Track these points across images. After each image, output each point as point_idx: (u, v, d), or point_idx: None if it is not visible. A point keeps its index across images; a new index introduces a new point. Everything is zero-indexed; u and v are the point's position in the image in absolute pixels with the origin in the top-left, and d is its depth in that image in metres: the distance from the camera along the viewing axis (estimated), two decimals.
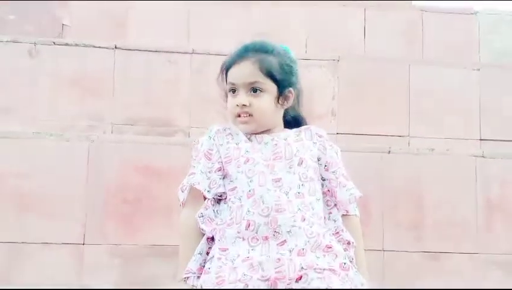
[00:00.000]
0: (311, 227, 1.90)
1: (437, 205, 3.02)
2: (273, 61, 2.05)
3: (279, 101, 2.05)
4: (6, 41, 3.45)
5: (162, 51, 3.59)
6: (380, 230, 2.94)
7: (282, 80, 2.05)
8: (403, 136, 3.63)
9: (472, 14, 4.33)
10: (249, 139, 2.05)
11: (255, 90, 2.01)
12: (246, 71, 2.03)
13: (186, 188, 2.02)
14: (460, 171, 3.06)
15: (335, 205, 2.02)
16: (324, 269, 1.84)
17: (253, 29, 3.86)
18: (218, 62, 3.84)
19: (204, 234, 1.99)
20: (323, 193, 2.02)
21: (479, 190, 3.04)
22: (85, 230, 2.85)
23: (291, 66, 2.08)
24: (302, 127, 2.10)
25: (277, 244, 1.84)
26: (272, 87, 2.03)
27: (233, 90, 2.05)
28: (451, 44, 4.21)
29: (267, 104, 2.03)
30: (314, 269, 1.83)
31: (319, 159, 2.03)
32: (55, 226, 2.83)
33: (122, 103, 3.51)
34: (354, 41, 4.11)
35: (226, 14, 4.14)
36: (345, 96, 3.63)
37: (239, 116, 2.04)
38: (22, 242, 2.80)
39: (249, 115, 2.02)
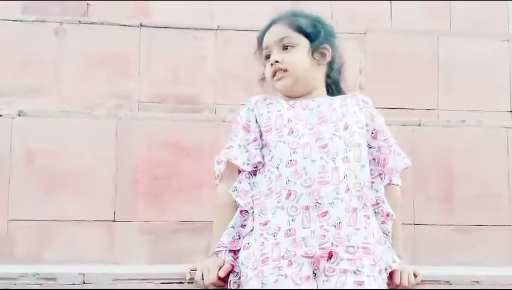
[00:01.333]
0: (350, 200, 1.88)
1: (469, 177, 2.99)
2: (303, 20, 2.04)
3: (314, 56, 2.03)
4: (32, 21, 3.45)
5: (187, 28, 3.58)
6: (411, 203, 2.92)
7: (314, 34, 2.03)
8: (432, 109, 3.59)
9: None
10: (292, 106, 2.03)
11: (285, 47, 2.01)
12: (275, 32, 2.03)
13: (222, 161, 2.01)
14: (491, 143, 3.03)
15: (379, 174, 1.99)
16: (357, 248, 1.82)
17: (278, 5, 3.82)
18: (244, 38, 3.81)
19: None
20: (370, 161, 2.00)
21: (511, 161, 3.00)
22: (115, 207, 2.86)
23: (325, 26, 2.06)
24: (348, 94, 2.07)
25: (318, 215, 1.82)
26: (303, 42, 2.02)
27: (268, 56, 2.04)
28: (480, 15, 4.15)
29: (299, 57, 2.01)
30: (347, 246, 1.81)
31: (366, 125, 2.01)
32: (85, 204, 2.85)
33: (149, 81, 3.51)
34: (381, 14, 4.06)
35: None
36: (373, 69, 3.59)
37: (275, 75, 2.03)
38: (53, 220, 2.82)
39: (284, 71, 2.01)
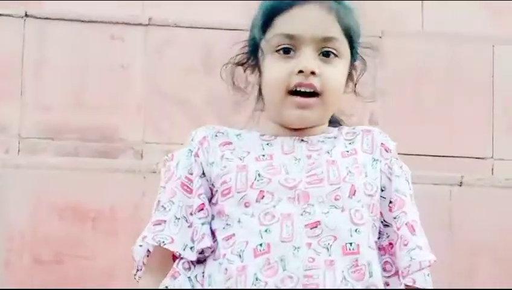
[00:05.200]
0: None
1: None
2: (351, 15, 1.99)
3: (349, 77, 2.01)
4: None
5: (101, 21, 3.60)
6: None
7: (357, 46, 2.00)
8: (483, 158, 3.62)
9: None
10: (268, 144, 1.97)
11: (327, 53, 1.94)
12: (318, 19, 1.94)
13: (148, 246, 1.97)
14: None
15: (396, 272, 1.95)
16: None
17: None
18: (190, 38, 3.80)
19: None
20: (382, 248, 1.96)
21: None
22: None
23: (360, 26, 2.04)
24: (359, 128, 2.01)
25: None
26: (347, 53, 1.97)
27: (287, 50, 1.96)
28: None
29: (342, 79, 1.96)
30: None
31: (383, 189, 1.96)
32: None
33: (37, 104, 3.52)
34: (406, 13, 4.11)
35: None
36: (391, 93, 3.60)
37: (295, 92, 1.95)
38: None
39: (315, 94, 1.95)
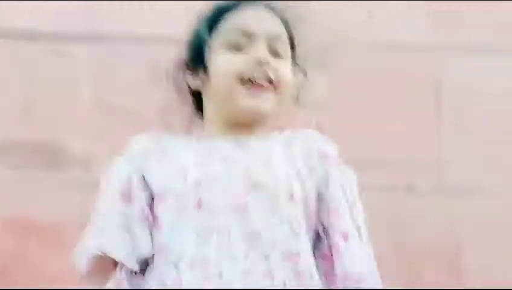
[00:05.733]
0: None
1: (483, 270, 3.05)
2: (291, 26, 2.04)
3: None
4: None
5: (47, 38, 3.58)
6: None
7: (295, 56, 2.05)
8: (431, 163, 3.64)
9: None
10: (202, 154, 1.96)
11: (276, 53, 1.99)
12: (268, 18, 2.00)
13: (90, 256, 1.95)
14: None
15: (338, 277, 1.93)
16: None
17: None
18: (140, 52, 3.79)
19: None
20: (323, 256, 1.94)
21: None
22: None
23: None
24: (298, 132, 2.01)
25: None
26: (289, 57, 2.03)
27: (238, 46, 1.98)
28: (504, 24, 4.23)
29: (291, 75, 2.01)
30: None
31: (321, 196, 1.95)
32: None
33: None
34: (355, 23, 4.11)
35: None
36: (339, 101, 3.61)
37: (250, 81, 1.95)
38: None
39: (270, 84, 1.96)
